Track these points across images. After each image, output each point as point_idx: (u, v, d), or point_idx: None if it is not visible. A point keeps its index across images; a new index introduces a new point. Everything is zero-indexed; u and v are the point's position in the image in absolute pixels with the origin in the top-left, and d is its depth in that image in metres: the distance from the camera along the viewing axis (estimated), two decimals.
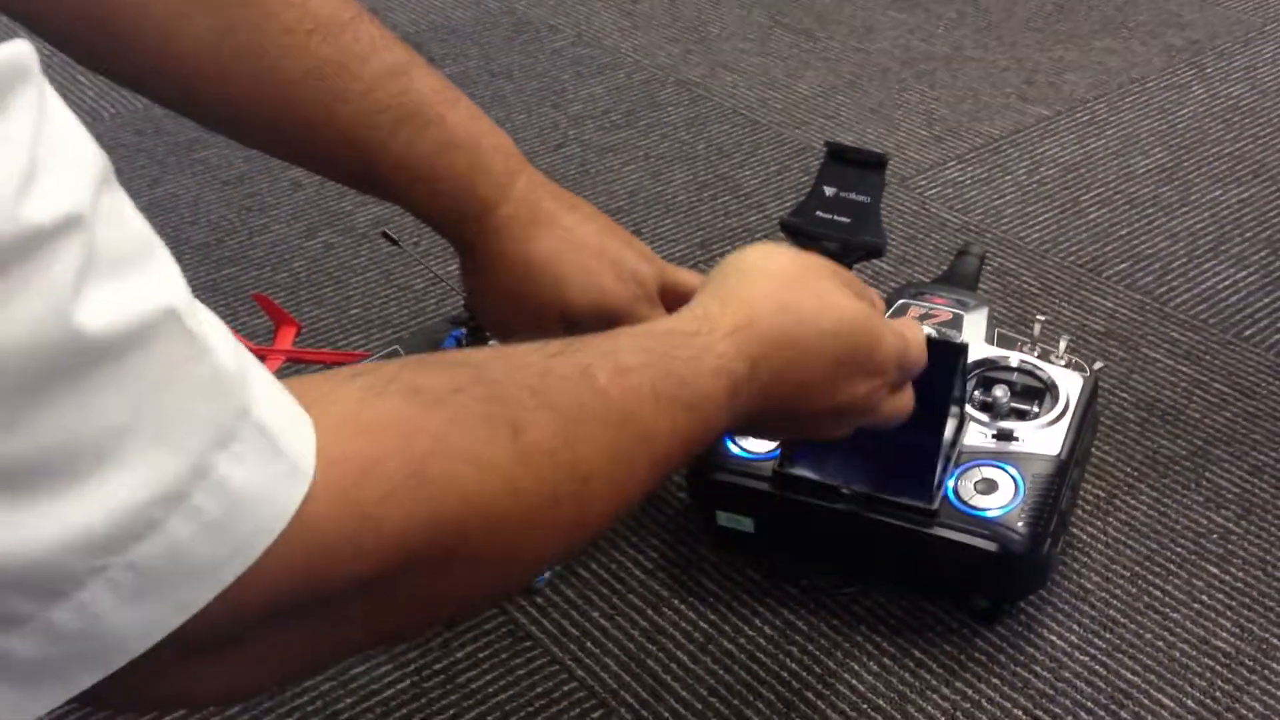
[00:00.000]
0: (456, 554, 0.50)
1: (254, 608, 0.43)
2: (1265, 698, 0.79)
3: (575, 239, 0.80)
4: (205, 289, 1.14)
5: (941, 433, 0.80)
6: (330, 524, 0.45)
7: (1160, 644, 0.82)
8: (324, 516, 0.45)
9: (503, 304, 0.82)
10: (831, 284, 0.68)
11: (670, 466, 0.61)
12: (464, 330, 0.93)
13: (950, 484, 0.80)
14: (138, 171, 1.30)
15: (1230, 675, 0.80)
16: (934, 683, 0.80)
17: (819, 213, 0.92)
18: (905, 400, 0.71)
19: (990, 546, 0.77)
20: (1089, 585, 0.86)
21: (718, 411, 0.62)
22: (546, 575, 0.84)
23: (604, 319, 0.79)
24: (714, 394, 0.61)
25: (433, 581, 0.50)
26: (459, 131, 0.79)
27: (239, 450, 0.42)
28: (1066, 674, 0.80)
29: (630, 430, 0.58)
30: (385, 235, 0.99)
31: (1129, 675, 0.80)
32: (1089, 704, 0.78)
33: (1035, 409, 0.84)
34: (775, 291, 0.66)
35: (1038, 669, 0.81)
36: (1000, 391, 0.84)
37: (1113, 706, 0.78)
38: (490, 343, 0.91)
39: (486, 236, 0.80)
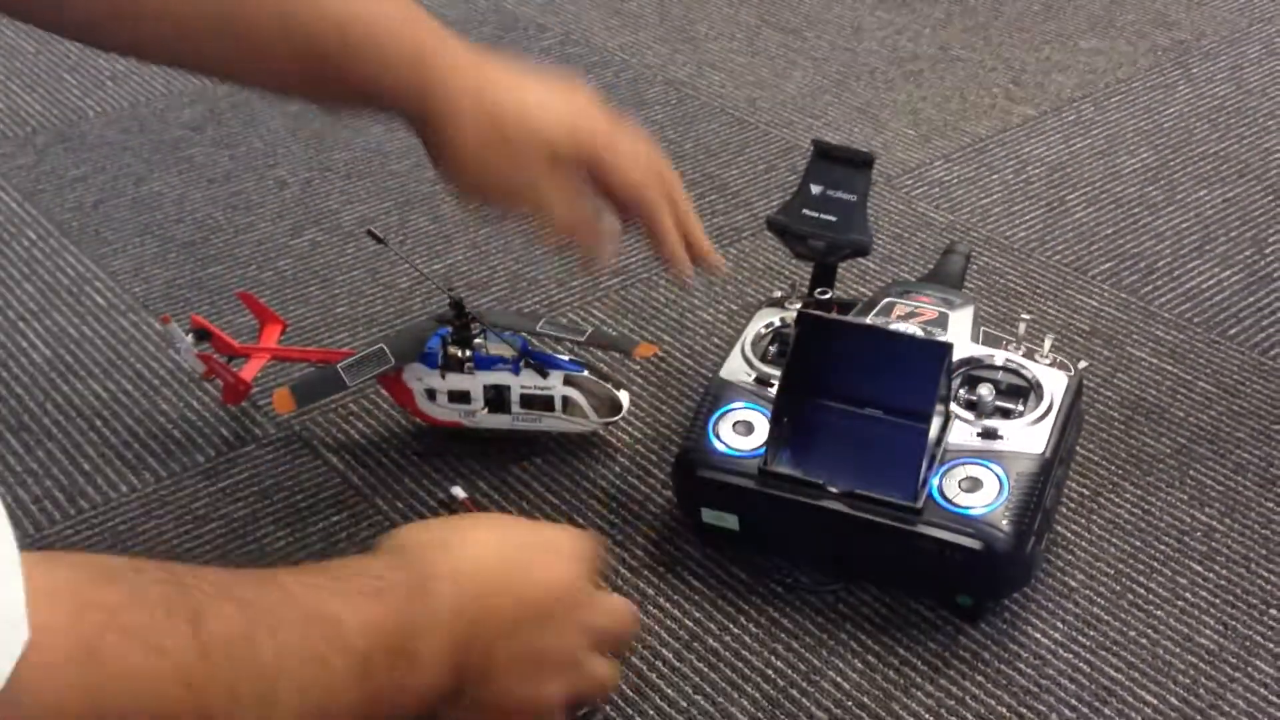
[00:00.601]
0: None
1: None
2: (1248, 695, 0.79)
3: (525, 89, 0.81)
4: (190, 287, 1.14)
5: (926, 431, 0.80)
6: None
7: (1144, 641, 0.82)
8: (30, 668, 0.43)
9: (484, 159, 0.80)
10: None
11: (374, 669, 0.58)
12: (449, 329, 0.93)
13: (935, 482, 0.80)
14: (123, 170, 1.30)
15: (1213, 673, 0.80)
16: (918, 680, 0.80)
17: (805, 211, 0.92)
18: (607, 670, 0.72)
19: (974, 544, 0.78)
20: (1073, 583, 0.86)
21: (408, 600, 0.61)
22: None
23: (584, 146, 0.80)
24: (398, 581, 0.61)
25: None
26: (398, 9, 0.79)
27: None
28: (1050, 671, 0.80)
29: (316, 625, 0.56)
30: (370, 234, 0.99)
31: (1112, 673, 0.80)
32: (1072, 701, 0.79)
33: (1020, 407, 0.84)
34: (421, 525, 0.71)
35: (1021, 666, 0.81)
36: (985, 390, 0.84)
37: (1096, 704, 0.78)
38: (475, 331, 0.92)
39: (440, 110, 0.78)
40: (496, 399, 0.92)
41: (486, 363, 0.92)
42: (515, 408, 0.92)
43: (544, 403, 0.91)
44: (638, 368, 1.04)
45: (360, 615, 0.58)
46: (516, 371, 0.91)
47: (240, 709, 0.52)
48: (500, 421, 0.93)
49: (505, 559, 0.68)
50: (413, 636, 0.61)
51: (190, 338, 0.95)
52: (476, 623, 0.64)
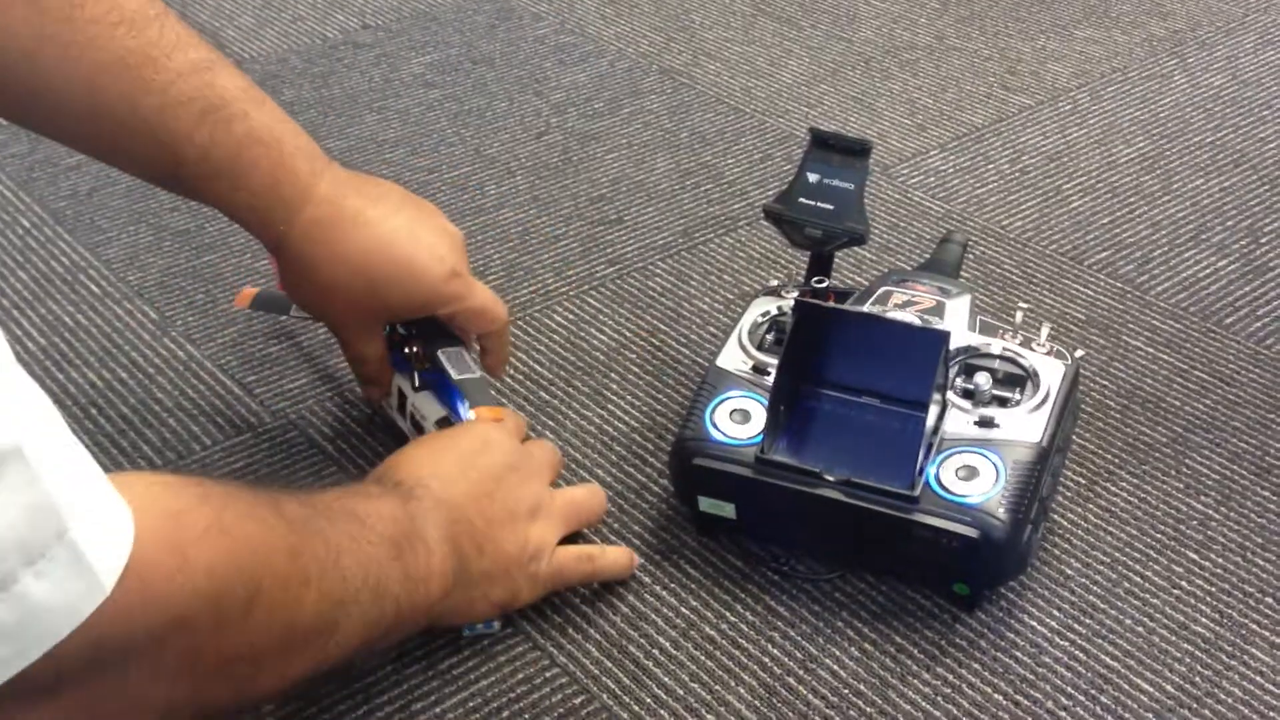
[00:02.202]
0: (255, 603, 0.58)
1: (74, 656, 0.50)
2: (1244, 683, 0.79)
3: (386, 234, 0.84)
4: (185, 275, 1.14)
5: (923, 419, 0.80)
6: (151, 566, 0.52)
7: (1140, 629, 0.82)
8: (146, 560, 0.51)
9: (321, 303, 0.87)
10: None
11: (403, 552, 0.69)
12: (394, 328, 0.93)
13: (931, 470, 0.80)
14: None
15: (1210, 660, 0.81)
16: (915, 668, 0.80)
17: (802, 199, 0.92)
18: (581, 494, 0.86)
19: (971, 533, 0.78)
20: (1069, 571, 0.86)
21: (402, 499, 0.73)
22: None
23: (420, 309, 0.87)
24: (386, 490, 0.74)
25: (239, 631, 0.57)
26: (262, 129, 0.81)
27: (45, 567, 0.48)
28: (1047, 659, 0.80)
29: (352, 517, 0.67)
30: None
31: (1109, 660, 0.80)
32: (1069, 689, 0.79)
33: (1017, 396, 0.84)
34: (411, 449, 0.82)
35: (1018, 654, 0.81)
36: (982, 379, 0.84)
37: (1092, 691, 0.79)
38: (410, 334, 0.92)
39: (294, 239, 0.83)
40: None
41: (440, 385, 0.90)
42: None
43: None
44: (634, 355, 1.04)
45: (378, 509, 0.70)
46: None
47: (326, 573, 0.63)
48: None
49: (451, 456, 0.79)
50: (417, 524, 0.71)
51: None
52: (453, 505, 0.75)
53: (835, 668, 0.80)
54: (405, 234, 0.84)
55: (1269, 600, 0.84)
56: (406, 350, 0.90)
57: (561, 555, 0.81)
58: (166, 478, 0.58)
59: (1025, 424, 0.82)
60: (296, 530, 0.62)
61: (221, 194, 0.82)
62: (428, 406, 0.88)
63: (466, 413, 0.85)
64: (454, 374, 0.87)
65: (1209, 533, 0.89)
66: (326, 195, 0.83)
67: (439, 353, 0.88)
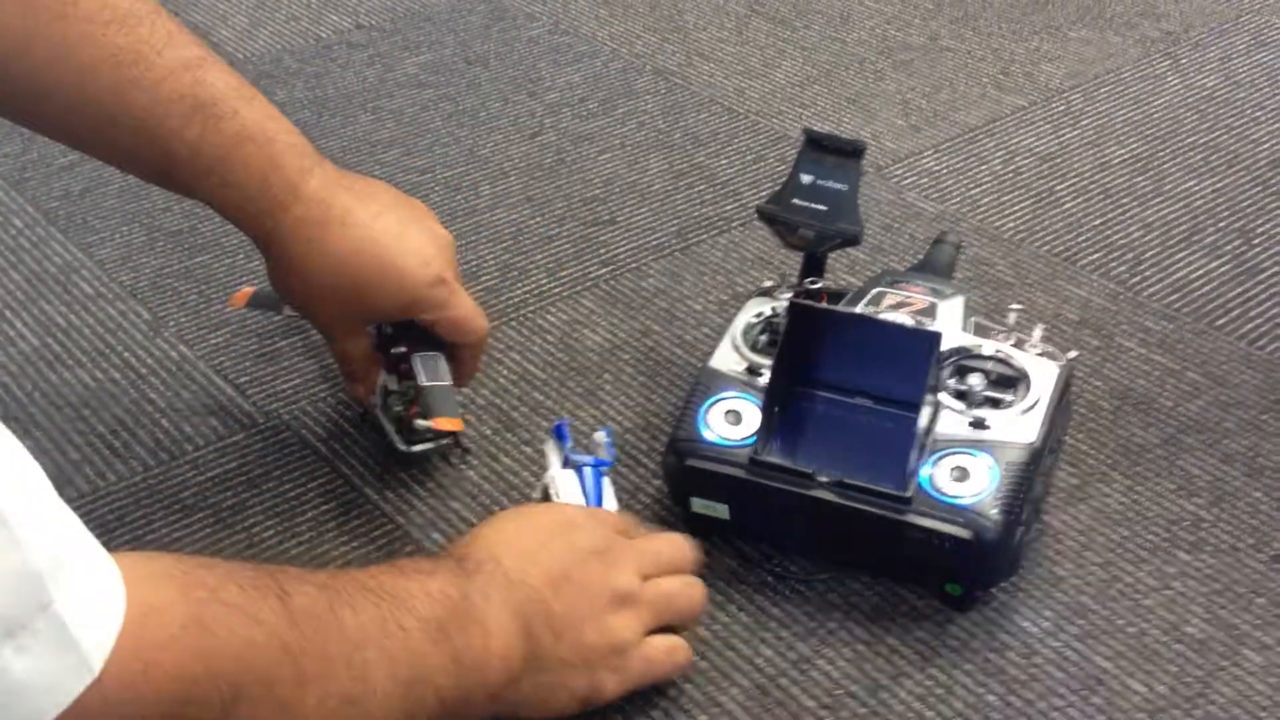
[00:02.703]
0: (233, 710, 0.53)
1: None
2: (1236, 683, 0.79)
3: (374, 235, 0.83)
4: (178, 276, 1.14)
5: (916, 420, 0.80)
6: (114, 668, 0.48)
7: (1132, 630, 0.82)
8: (110, 662, 0.48)
9: (307, 300, 0.86)
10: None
11: (450, 635, 0.64)
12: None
13: (924, 471, 0.80)
14: None
15: (1201, 661, 0.81)
16: (907, 669, 0.80)
17: (796, 200, 0.92)
18: (666, 645, 0.77)
19: (964, 533, 0.78)
20: (1061, 572, 0.86)
21: (459, 576, 0.67)
22: None
23: (403, 312, 0.85)
24: (442, 564, 0.69)
25: None
26: (253, 126, 0.81)
27: (27, 642, 0.45)
28: (1039, 660, 0.81)
29: (387, 599, 0.62)
30: None
31: (1101, 661, 0.81)
32: (1061, 690, 0.79)
33: (1009, 397, 0.84)
34: (490, 522, 0.76)
35: (1010, 655, 0.81)
36: (975, 379, 0.84)
37: (1084, 692, 0.79)
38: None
39: (282, 236, 0.83)
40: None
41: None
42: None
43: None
44: (627, 356, 1.04)
45: (424, 587, 0.64)
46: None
47: (333, 672, 0.58)
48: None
49: (533, 534, 0.74)
50: (475, 603, 0.66)
51: None
52: (527, 585, 0.70)
53: (828, 668, 0.80)
54: (393, 235, 0.84)
55: (1260, 601, 0.84)
56: (392, 351, 0.90)
57: (650, 648, 0.75)
58: (154, 563, 0.54)
59: (1018, 425, 0.82)
60: (299, 624, 0.57)
61: (212, 190, 0.82)
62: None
63: (606, 500, 0.83)
64: (422, 379, 0.88)
65: (1201, 534, 0.89)
66: (316, 193, 0.83)
67: (414, 356, 0.89)
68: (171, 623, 0.51)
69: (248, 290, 1.00)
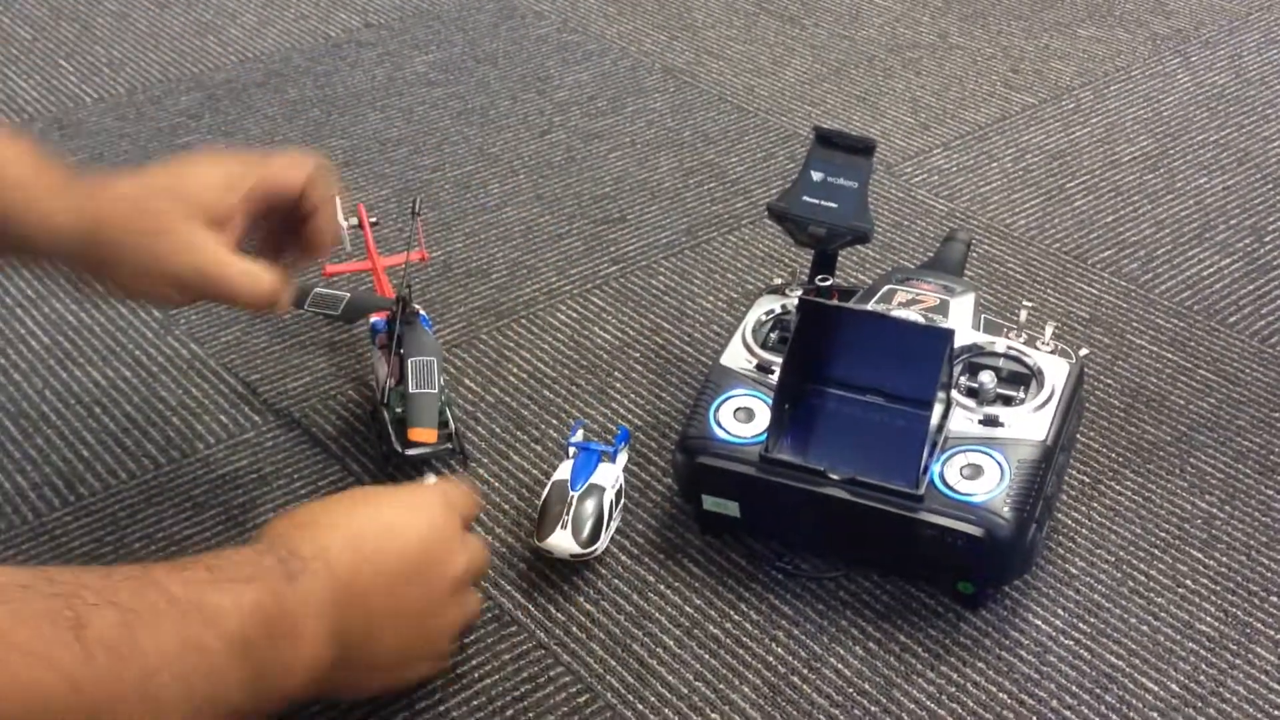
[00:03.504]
0: None
1: None
2: (1249, 681, 0.79)
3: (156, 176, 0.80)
4: None
5: (928, 418, 0.80)
6: None
7: (1144, 628, 0.82)
8: None
9: (139, 246, 0.79)
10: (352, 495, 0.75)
11: (254, 650, 0.62)
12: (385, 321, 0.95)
13: (936, 469, 0.80)
14: (120, 157, 1.30)
15: (1214, 659, 0.80)
16: (919, 667, 0.80)
17: (806, 198, 0.92)
18: (473, 605, 0.76)
19: (976, 531, 0.77)
20: (1074, 570, 0.86)
21: (279, 583, 0.65)
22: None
23: (223, 188, 0.79)
24: (268, 566, 0.65)
25: None
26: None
27: None
28: (1051, 658, 0.80)
29: (194, 615, 0.60)
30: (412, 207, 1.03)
31: (1113, 659, 0.80)
32: (1073, 688, 0.79)
33: (1021, 395, 0.84)
34: (291, 515, 0.72)
35: (1022, 653, 0.81)
36: (986, 377, 0.84)
37: (1097, 690, 0.79)
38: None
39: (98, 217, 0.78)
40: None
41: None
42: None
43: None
44: (638, 353, 1.04)
45: (236, 600, 0.62)
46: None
47: (125, 704, 0.57)
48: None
49: (369, 528, 0.71)
50: (292, 614, 0.65)
51: (350, 221, 1.01)
52: (352, 591, 0.68)
53: (840, 666, 0.80)
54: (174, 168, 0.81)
55: (1273, 599, 0.84)
56: (397, 352, 0.92)
57: (462, 619, 0.76)
58: None
59: (1030, 422, 0.82)
60: (94, 658, 0.56)
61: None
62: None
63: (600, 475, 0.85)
64: (410, 386, 0.88)
65: (1213, 531, 0.89)
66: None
67: (409, 360, 0.90)
68: None
69: None
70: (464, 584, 0.75)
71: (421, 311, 0.96)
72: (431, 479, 0.86)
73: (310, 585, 0.66)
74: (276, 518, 0.73)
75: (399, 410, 0.91)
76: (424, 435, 0.89)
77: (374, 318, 0.98)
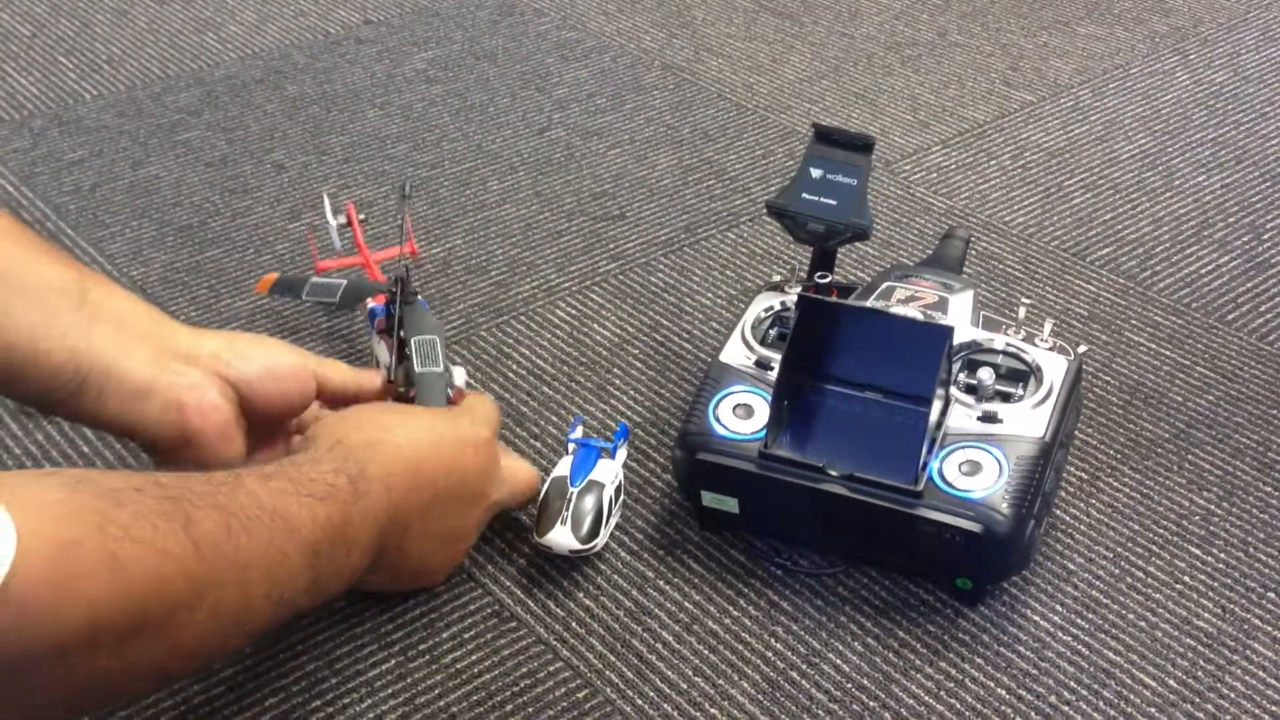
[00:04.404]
0: (139, 630, 0.59)
1: None
2: (1246, 677, 0.79)
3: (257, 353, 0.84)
4: (188, 270, 1.14)
5: (927, 414, 0.80)
6: (31, 596, 0.54)
7: (1142, 624, 0.82)
8: (27, 590, 0.54)
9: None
10: (403, 409, 0.84)
11: (321, 558, 0.71)
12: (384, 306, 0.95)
13: (935, 465, 0.80)
14: (120, 154, 1.30)
15: (1212, 655, 0.81)
16: (918, 663, 0.80)
17: (805, 195, 0.92)
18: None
19: (974, 527, 0.78)
20: (1072, 566, 0.86)
21: (348, 499, 0.73)
22: None
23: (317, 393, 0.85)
24: (339, 485, 0.73)
25: (114, 654, 0.59)
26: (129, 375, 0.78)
27: None
28: (1049, 654, 0.81)
29: (279, 523, 0.68)
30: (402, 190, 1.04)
31: (1111, 655, 0.81)
32: (1071, 684, 0.79)
33: (1020, 392, 0.84)
34: (355, 420, 0.80)
35: (1021, 649, 0.81)
36: (985, 374, 0.84)
37: (1095, 686, 0.79)
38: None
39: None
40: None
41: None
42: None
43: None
44: (637, 350, 1.04)
45: (313, 513, 0.70)
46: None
47: (224, 592, 0.64)
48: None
49: (429, 457, 0.79)
50: (354, 529, 0.73)
51: (339, 219, 1.06)
52: (400, 510, 0.76)
53: (838, 662, 0.80)
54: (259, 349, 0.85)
55: (1271, 595, 0.84)
56: (398, 334, 0.92)
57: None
58: (73, 499, 0.58)
59: (1028, 419, 0.82)
60: (202, 551, 0.62)
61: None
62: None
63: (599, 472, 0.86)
64: (417, 366, 0.88)
65: (1211, 528, 0.89)
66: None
67: (412, 340, 0.90)
68: (88, 557, 0.57)
69: (272, 276, 1.00)
70: (490, 514, 0.84)
71: (419, 294, 0.96)
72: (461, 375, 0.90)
73: (371, 505, 0.74)
74: (339, 421, 0.79)
75: (401, 390, 0.91)
76: (458, 395, 0.89)
77: (371, 304, 0.98)
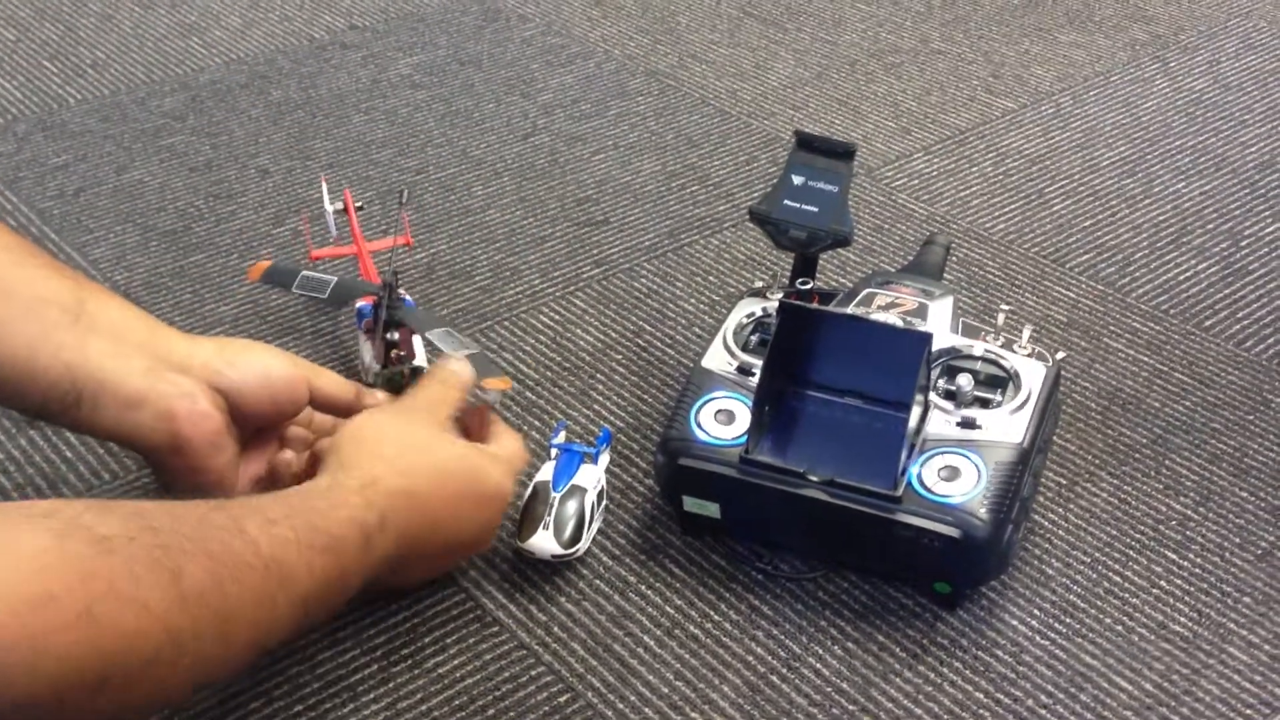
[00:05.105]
0: (109, 682, 0.59)
1: None
2: (1222, 681, 0.80)
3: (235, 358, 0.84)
4: (172, 275, 1.14)
5: (906, 420, 0.80)
6: (7, 646, 0.54)
7: (1119, 628, 0.83)
8: (4, 640, 0.54)
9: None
10: (433, 432, 0.81)
11: (310, 606, 0.70)
12: (372, 305, 0.96)
13: (914, 471, 0.81)
14: (104, 158, 1.30)
15: (1188, 659, 0.81)
16: (897, 666, 0.81)
17: (787, 201, 0.93)
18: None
19: (953, 532, 0.78)
20: (1050, 571, 0.87)
21: (354, 554, 0.73)
22: None
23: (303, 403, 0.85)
24: (349, 538, 0.72)
25: (84, 705, 0.59)
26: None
27: None
28: (1027, 658, 0.81)
29: (274, 573, 0.67)
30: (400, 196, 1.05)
31: (1088, 659, 0.81)
32: (1049, 687, 0.80)
33: (998, 397, 0.85)
34: (391, 452, 0.78)
35: (999, 653, 0.82)
36: (964, 380, 0.85)
37: (1072, 690, 0.79)
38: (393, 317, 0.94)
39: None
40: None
41: None
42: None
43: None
44: (620, 355, 1.05)
45: (310, 567, 0.69)
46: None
47: (205, 645, 0.64)
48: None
49: (453, 469, 0.80)
50: (349, 578, 0.73)
51: (335, 205, 1.06)
52: (412, 530, 0.76)
53: (818, 666, 0.81)
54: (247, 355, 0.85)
55: (1246, 600, 0.85)
56: (387, 336, 0.92)
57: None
58: (61, 548, 0.58)
59: (1007, 425, 0.83)
60: (187, 606, 0.62)
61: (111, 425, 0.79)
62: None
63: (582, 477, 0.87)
64: (453, 351, 0.89)
65: (1188, 533, 0.90)
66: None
67: (428, 334, 0.91)
68: (66, 611, 0.57)
69: (264, 264, 1.00)
70: (504, 507, 0.83)
71: (407, 296, 0.97)
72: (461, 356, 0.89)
73: (378, 557, 0.74)
74: (351, 438, 0.79)
75: (396, 386, 0.91)
76: (501, 384, 0.89)
77: (360, 303, 0.98)
